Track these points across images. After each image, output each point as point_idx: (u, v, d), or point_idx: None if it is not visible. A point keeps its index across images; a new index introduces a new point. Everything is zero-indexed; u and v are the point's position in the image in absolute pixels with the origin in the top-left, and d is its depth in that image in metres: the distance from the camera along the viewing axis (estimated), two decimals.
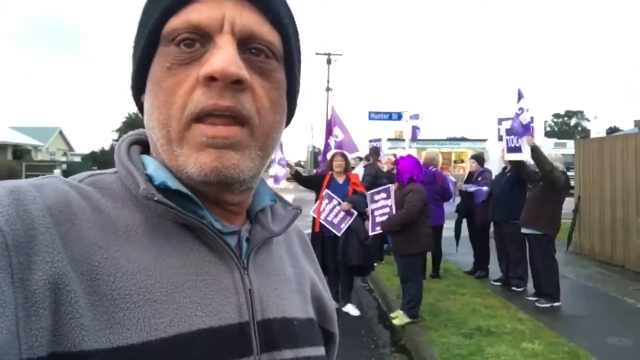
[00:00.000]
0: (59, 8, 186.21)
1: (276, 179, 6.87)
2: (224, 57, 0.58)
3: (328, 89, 38.54)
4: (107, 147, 47.75)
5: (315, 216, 5.90)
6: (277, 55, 0.66)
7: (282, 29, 0.66)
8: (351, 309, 5.99)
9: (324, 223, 5.81)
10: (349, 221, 5.79)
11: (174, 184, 0.62)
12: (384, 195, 5.85)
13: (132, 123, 51.22)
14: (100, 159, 40.40)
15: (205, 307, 0.61)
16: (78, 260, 0.54)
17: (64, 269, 0.52)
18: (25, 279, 0.50)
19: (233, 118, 0.61)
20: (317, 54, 38.12)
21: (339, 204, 5.82)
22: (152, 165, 0.65)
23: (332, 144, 8.08)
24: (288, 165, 6.88)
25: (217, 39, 0.61)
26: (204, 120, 0.60)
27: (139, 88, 0.68)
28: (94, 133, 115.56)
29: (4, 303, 0.47)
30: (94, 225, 0.58)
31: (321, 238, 5.92)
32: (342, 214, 5.81)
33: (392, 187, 5.80)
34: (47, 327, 0.50)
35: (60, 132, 46.73)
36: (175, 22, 0.61)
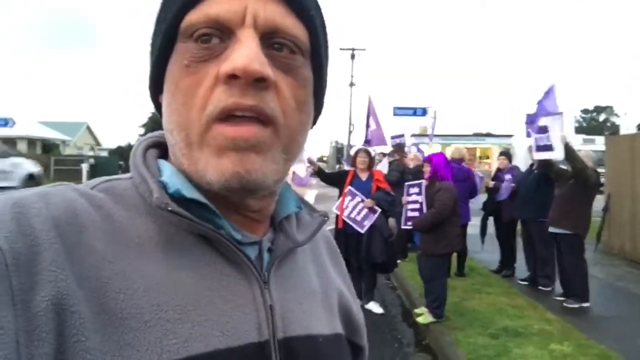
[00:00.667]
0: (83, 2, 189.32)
1: (300, 180, 6.83)
2: (246, 52, 0.54)
3: (352, 84, 38.42)
4: (133, 142, 48.26)
5: (338, 213, 5.86)
6: (303, 50, 0.61)
7: (308, 22, 0.61)
8: (374, 307, 5.94)
9: (346, 220, 5.77)
10: (372, 218, 5.72)
11: (189, 192, 0.59)
12: (416, 190, 5.77)
13: (158, 119, 51.77)
14: (127, 154, 40.87)
15: (222, 325, 0.57)
16: (85, 277, 0.51)
17: (69, 288, 0.49)
18: (27, 300, 0.47)
19: (256, 118, 0.56)
20: (341, 49, 37.95)
21: (362, 200, 5.76)
22: (167, 171, 0.62)
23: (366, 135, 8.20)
24: (309, 161, 6.82)
25: (239, 33, 0.56)
26: (225, 121, 0.56)
27: (156, 88, 0.64)
28: (121, 128, 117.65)
29: (3, 329, 0.45)
30: (104, 236, 0.55)
31: (344, 235, 5.87)
32: (365, 211, 5.74)
33: (424, 182, 5.71)
34: (51, 352, 0.47)
35: (88, 127, 47.62)
36: (194, 17, 0.57)
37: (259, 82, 0.55)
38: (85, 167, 30.16)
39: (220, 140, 0.56)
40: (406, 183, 6.12)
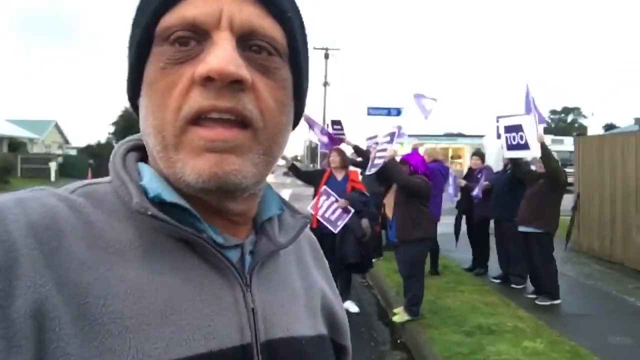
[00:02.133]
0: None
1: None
2: (221, 54, 0.54)
3: (325, 84, 38.46)
4: (103, 141, 47.52)
5: (313, 212, 5.83)
6: (281, 52, 0.60)
7: (285, 23, 0.60)
8: (350, 306, 5.93)
9: (321, 220, 5.75)
10: (345, 219, 5.72)
11: (169, 197, 0.58)
12: (387, 139, 5.69)
13: (129, 117, 51.05)
14: (96, 152, 40.17)
15: (204, 329, 0.57)
16: (65, 282, 0.50)
17: (48, 294, 0.49)
18: (5, 306, 0.46)
19: (233, 120, 0.56)
20: (315, 48, 37.97)
21: (336, 200, 5.75)
22: (147, 175, 0.61)
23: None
24: (283, 157, 6.77)
25: (215, 35, 0.56)
26: (201, 124, 0.55)
27: (135, 92, 0.63)
28: (91, 126, 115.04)
29: None
30: (83, 241, 0.54)
31: (319, 234, 5.85)
32: (339, 211, 5.74)
33: (396, 131, 5.67)
34: (30, 358, 0.46)
35: (56, 125, 46.55)
36: (170, 19, 0.56)
37: (235, 84, 0.55)
38: (53, 165, 29.51)
39: (197, 142, 0.55)
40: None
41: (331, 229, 5.70)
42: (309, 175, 6.62)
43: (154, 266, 0.57)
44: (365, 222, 6.23)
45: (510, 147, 6.37)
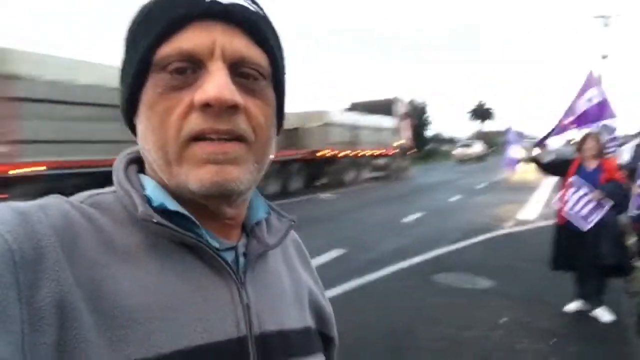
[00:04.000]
0: None
1: (510, 162, 6.31)
2: (217, 83, 0.61)
3: (604, 57, 33.78)
4: None
5: (559, 207, 5.26)
6: (266, 75, 0.68)
7: (269, 51, 0.68)
8: (601, 314, 5.21)
9: (570, 216, 5.15)
10: (600, 214, 5.01)
11: (172, 206, 0.66)
12: None
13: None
14: None
15: (204, 323, 0.64)
16: (82, 278, 0.58)
17: (69, 287, 0.56)
18: (31, 295, 0.53)
19: (230, 137, 0.64)
20: (595, 17, 33.59)
21: (589, 193, 5.06)
22: (150, 186, 0.69)
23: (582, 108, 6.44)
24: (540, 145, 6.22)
25: (209, 65, 0.63)
26: (201, 140, 0.63)
27: (130, 111, 0.70)
28: None
29: (10, 319, 0.51)
30: (96, 244, 0.62)
31: (567, 232, 5.27)
32: (591, 205, 5.05)
33: None
34: (52, 343, 0.53)
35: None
36: (167, 50, 0.63)
37: (230, 109, 0.62)
38: None
39: (200, 155, 0.63)
40: None
41: (581, 225, 5.07)
42: (554, 166, 5.91)
43: (157, 267, 0.64)
44: (624, 218, 5.36)
45: None
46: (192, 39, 0.62)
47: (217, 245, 0.69)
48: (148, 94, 0.65)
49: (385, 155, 24.76)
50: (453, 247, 8.76)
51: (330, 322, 0.91)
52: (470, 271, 7.12)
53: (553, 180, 9.52)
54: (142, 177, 0.71)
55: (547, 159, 6.14)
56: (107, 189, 0.72)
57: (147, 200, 0.66)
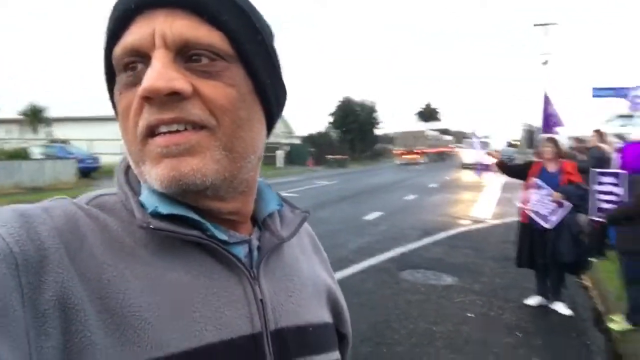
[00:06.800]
0: None
1: (479, 169, 6.63)
2: (149, 74, 0.58)
3: (545, 62, 35.30)
4: (322, 130, 51.13)
5: (522, 206, 5.57)
6: (224, 54, 0.62)
7: (223, 27, 0.62)
8: (561, 308, 5.56)
9: (531, 214, 5.47)
10: (560, 213, 5.35)
11: (165, 209, 0.63)
12: (612, 179, 5.23)
13: (345, 107, 53.97)
14: (317, 141, 43.44)
15: (215, 320, 0.62)
16: (88, 279, 0.56)
17: (74, 288, 0.54)
18: (35, 298, 0.51)
19: (185, 127, 0.61)
20: (535, 25, 35.09)
21: (550, 194, 5.40)
22: (145, 191, 0.66)
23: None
24: (489, 154, 6.56)
25: (153, 55, 0.60)
26: (156, 135, 0.61)
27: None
28: (312, 117, 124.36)
29: (15, 322, 0.49)
30: (102, 244, 0.60)
31: (530, 230, 5.60)
32: (552, 205, 5.38)
33: (624, 173, 5.15)
34: (58, 345, 0.52)
35: (282, 117, 51.15)
36: (117, 50, 0.62)
37: (174, 96, 0.59)
38: (280, 154, 32.73)
39: (155, 151, 0.60)
40: (596, 169, 5.54)
41: (543, 224, 5.40)
42: (517, 170, 6.24)
43: (166, 264, 0.62)
44: (582, 217, 5.75)
45: None
46: (135, 32, 0.60)
47: (225, 238, 0.67)
48: (116, 96, 0.64)
49: None
50: (416, 245, 9.04)
51: (346, 318, 0.89)
52: (435, 268, 7.39)
53: (501, 180, 9.96)
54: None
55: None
56: (110, 190, 0.70)
57: (142, 205, 0.64)
